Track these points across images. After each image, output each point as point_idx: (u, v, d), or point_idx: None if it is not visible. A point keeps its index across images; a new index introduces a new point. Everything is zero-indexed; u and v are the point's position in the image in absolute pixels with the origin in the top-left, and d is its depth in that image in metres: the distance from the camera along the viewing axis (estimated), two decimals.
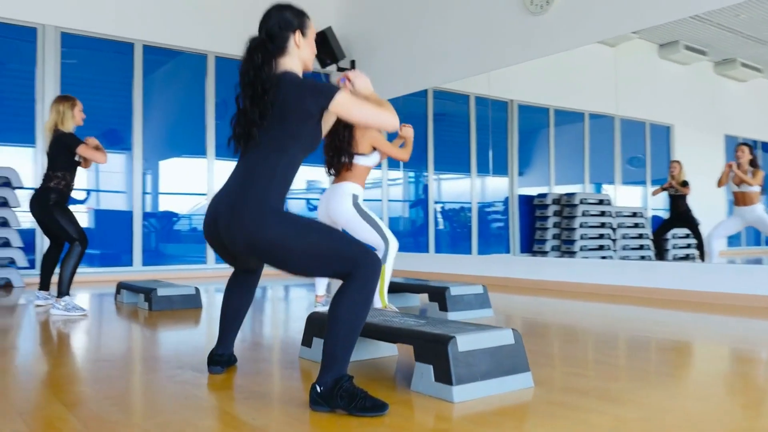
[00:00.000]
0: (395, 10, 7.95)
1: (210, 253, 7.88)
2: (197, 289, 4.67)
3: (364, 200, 3.96)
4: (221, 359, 2.51)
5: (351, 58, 8.62)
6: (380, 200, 8.43)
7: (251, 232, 2.02)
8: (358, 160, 3.92)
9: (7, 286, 6.22)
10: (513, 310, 4.62)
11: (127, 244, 7.44)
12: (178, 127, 8.07)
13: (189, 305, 4.58)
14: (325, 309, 4.35)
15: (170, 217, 8.02)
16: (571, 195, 7.08)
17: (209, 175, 7.95)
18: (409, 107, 7.87)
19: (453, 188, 8.38)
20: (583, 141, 7.03)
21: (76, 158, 4.46)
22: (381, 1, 8.20)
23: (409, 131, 4.20)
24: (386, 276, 3.82)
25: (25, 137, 6.87)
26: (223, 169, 7.90)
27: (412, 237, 8.37)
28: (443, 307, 4.02)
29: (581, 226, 6.95)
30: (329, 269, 2.04)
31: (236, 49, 7.49)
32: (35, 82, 6.88)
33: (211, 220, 2.12)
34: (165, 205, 7.98)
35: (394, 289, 4.47)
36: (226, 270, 7.70)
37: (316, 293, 4.43)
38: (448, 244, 8.14)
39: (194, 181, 7.99)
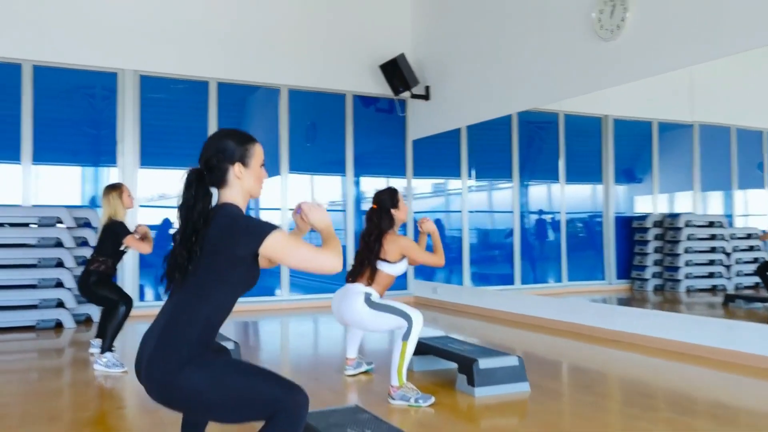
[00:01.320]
0: (470, 35, 7.64)
1: (285, 282, 7.99)
2: (237, 344, 4.67)
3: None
4: None
5: (425, 84, 8.41)
6: (460, 211, 8.14)
7: (164, 384, 1.87)
8: (382, 267, 3.75)
9: (58, 327, 6.38)
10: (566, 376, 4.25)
11: None
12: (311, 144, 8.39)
13: None
14: (356, 372, 4.23)
15: None
16: (674, 216, 6.39)
17: (282, 192, 8.12)
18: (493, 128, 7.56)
19: (538, 203, 7.94)
20: (692, 155, 6.22)
21: (122, 247, 4.63)
22: (456, 25, 7.91)
23: (429, 226, 3.92)
24: (407, 353, 3.59)
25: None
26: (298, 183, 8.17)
27: (494, 263, 8.04)
28: (471, 381, 3.73)
29: (686, 251, 6.27)
30: (253, 413, 1.88)
31: (307, 81, 7.62)
32: (116, 121, 7.25)
33: (137, 362, 1.99)
34: None
35: (421, 350, 4.24)
36: (301, 301, 7.97)
37: (346, 355, 4.30)
38: (534, 270, 7.68)
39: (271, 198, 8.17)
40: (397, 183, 8.79)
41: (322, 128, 8.55)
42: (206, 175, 2.06)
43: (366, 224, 3.84)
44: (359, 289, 3.73)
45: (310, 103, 8.34)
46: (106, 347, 4.44)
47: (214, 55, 7.66)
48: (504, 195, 7.88)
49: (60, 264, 6.39)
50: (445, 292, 8.04)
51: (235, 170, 2.07)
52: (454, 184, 8.27)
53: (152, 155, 7.44)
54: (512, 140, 7.46)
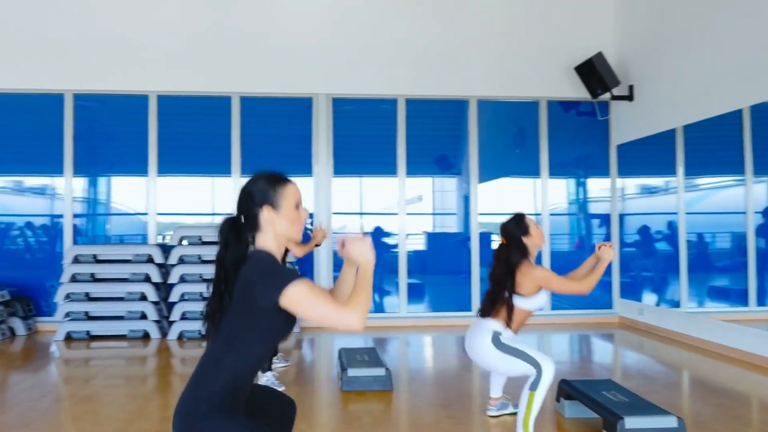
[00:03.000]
0: (680, 25, 6.69)
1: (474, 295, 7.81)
2: (388, 370, 4.64)
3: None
4: None
5: (628, 83, 7.60)
6: (675, 213, 7.17)
7: None
8: (517, 303, 3.42)
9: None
10: None
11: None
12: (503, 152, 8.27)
13: (379, 387, 4.58)
14: (500, 413, 3.93)
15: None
16: None
17: (543, 194, 8.00)
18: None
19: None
20: None
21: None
22: (663, 17, 7.00)
23: (607, 253, 3.45)
24: (534, 405, 3.23)
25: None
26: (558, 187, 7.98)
27: (719, 278, 6.93)
28: None
29: None
30: None
31: (497, 90, 7.37)
32: (311, 143, 7.72)
33: None
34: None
35: (571, 395, 3.79)
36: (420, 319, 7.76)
37: (490, 394, 4.02)
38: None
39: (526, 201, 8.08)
40: (599, 184, 8.12)
41: (514, 136, 8.21)
42: (242, 222, 2.04)
43: (494, 261, 3.54)
44: (489, 326, 3.44)
45: (502, 111, 8.05)
46: (267, 367, 4.70)
47: (402, 72, 7.76)
48: (731, 194, 6.64)
49: None
50: (653, 314, 7.16)
51: (264, 214, 2.01)
52: (667, 184, 7.24)
53: (345, 164, 7.82)
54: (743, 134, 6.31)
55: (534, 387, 3.24)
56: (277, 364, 5.32)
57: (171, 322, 6.78)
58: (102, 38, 7.44)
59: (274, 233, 2.03)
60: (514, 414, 4.00)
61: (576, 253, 8.22)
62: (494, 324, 3.43)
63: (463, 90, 7.86)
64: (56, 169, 7.44)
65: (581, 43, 7.81)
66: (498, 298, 3.44)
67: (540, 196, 8.05)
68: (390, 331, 7.21)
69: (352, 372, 4.60)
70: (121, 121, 7.62)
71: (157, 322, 6.78)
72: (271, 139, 7.84)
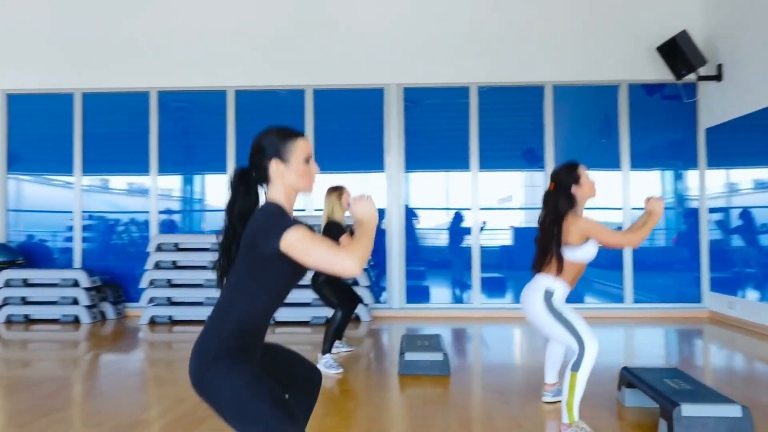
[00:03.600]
0: None
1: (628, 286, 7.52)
2: (446, 356, 4.58)
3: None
4: None
5: (716, 62, 7.12)
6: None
7: (196, 378, 1.95)
8: (566, 254, 3.27)
9: (356, 320, 7.14)
10: None
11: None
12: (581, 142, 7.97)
13: (435, 372, 4.53)
14: (555, 399, 3.79)
15: None
16: None
17: (624, 188, 7.64)
18: None
19: None
20: None
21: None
22: None
23: (656, 206, 3.28)
24: (577, 386, 3.08)
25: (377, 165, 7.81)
26: (640, 180, 7.66)
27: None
28: (670, 431, 3.04)
29: None
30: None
31: (571, 75, 7.09)
32: (383, 131, 7.74)
33: None
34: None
35: (631, 383, 3.59)
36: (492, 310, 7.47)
37: (545, 380, 3.88)
38: None
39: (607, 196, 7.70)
40: (687, 172, 7.66)
41: (593, 125, 7.89)
42: (252, 175, 2.10)
43: (542, 208, 3.38)
44: (542, 283, 3.30)
45: (579, 97, 7.77)
46: (326, 349, 4.76)
47: (473, 58, 7.64)
48: None
49: None
50: (745, 309, 6.67)
51: (273, 167, 2.06)
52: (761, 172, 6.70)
53: (417, 159, 7.78)
54: None
55: (576, 368, 3.10)
56: (340, 348, 5.37)
57: None
58: (183, 36, 7.80)
59: (283, 186, 2.07)
60: None
61: (674, 249, 7.79)
62: (547, 281, 3.28)
63: (538, 75, 7.64)
64: (143, 168, 7.86)
65: (663, 21, 7.39)
66: (547, 250, 3.30)
67: (621, 189, 7.67)
68: (464, 322, 7.12)
69: (409, 356, 4.57)
70: (202, 117, 7.95)
71: None
72: (343, 133, 7.91)
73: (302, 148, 2.09)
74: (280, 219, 1.95)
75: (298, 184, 2.08)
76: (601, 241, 3.23)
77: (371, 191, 7.66)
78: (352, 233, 4.93)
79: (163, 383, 4.60)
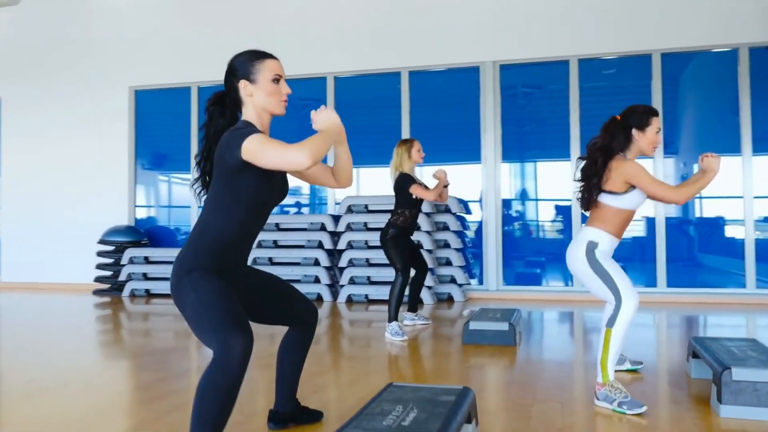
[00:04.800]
0: None
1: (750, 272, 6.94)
2: (511, 326, 4.44)
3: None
4: (276, 416, 2.56)
5: None
6: None
7: (173, 287, 2.08)
8: (604, 199, 3.06)
9: (449, 299, 7.13)
10: None
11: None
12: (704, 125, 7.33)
13: (500, 341, 4.41)
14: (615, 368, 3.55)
15: (704, 224, 7.36)
16: None
17: (745, 174, 6.93)
18: None
19: None
20: None
21: (414, 196, 4.88)
22: None
23: (711, 163, 2.99)
24: (611, 343, 2.87)
25: (562, 152, 7.50)
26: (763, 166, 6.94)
27: None
28: (719, 396, 2.74)
29: None
30: (206, 340, 1.97)
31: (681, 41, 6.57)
32: (569, 101, 7.39)
33: None
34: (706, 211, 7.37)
35: (696, 353, 3.28)
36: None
37: None
38: None
39: (727, 182, 6.99)
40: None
41: (708, 98, 7.24)
42: (227, 97, 2.21)
43: (599, 135, 3.10)
44: (586, 235, 3.06)
45: (692, 66, 7.16)
46: (391, 317, 4.79)
47: (572, 28, 7.31)
48: None
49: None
50: None
51: (242, 87, 2.15)
52: None
53: (512, 150, 7.60)
54: None
55: (611, 323, 2.88)
56: (416, 320, 5.37)
57: (341, 286, 7.20)
58: (279, 24, 8.17)
59: (253, 106, 2.16)
60: (632, 371, 3.61)
61: None
62: (592, 233, 3.05)
63: (645, 43, 7.13)
64: None
65: None
66: (588, 195, 3.08)
67: (743, 175, 6.92)
68: (568, 305, 6.85)
69: (473, 325, 4.49)
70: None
71: (329, 285, 7.26)
72: (439, 115, 7.88)
73: (270, 67, 2.16)
74: (242, 131, 2.03)
75: (266, 104, 2.15)
76: (644, 190, 2.99)
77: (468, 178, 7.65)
78: (422, 185, 4.93)
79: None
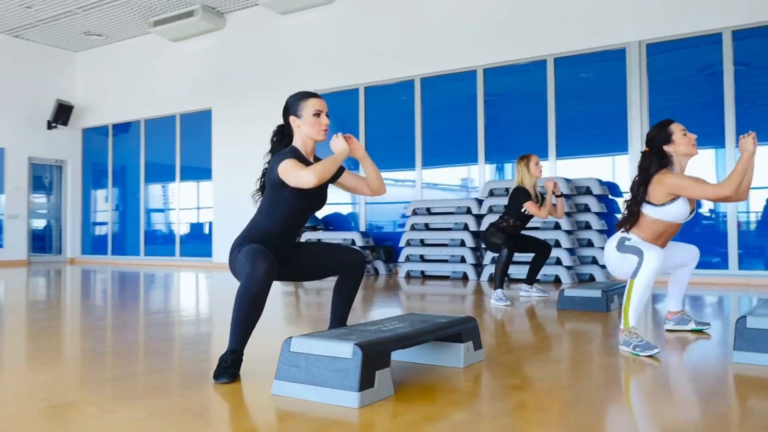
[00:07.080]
0: None
1: None
2: (604, 293, 4.60)
3: None
4: None
5: None
6: None
7: (229, 255, 2.80)
8: (644, 209, 3.25)
9: (590, 279, 7.22)
10: None
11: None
12: None
13: (593, 308, 4.60)
14: (678, 328, 3.67)
15: None
16: None
17: None
18: None
19: None
20: None
21: (523, 210, 5.25)
22: None
23: (747, 144, 3.04)
24: (634, 293, 3.05)
25: (619, 147, 7.63)
26: None
27: None
28: (734, 344, 2.82)
29: None
30: (241, 277, 2.65)
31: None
32: (627, 95, 7.54)
33: None
34: None
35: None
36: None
37: (668, 308, 3.74)
38: None
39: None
40: None
41: None
42: (285, 129, 2.92)
43: (638, 173, 3.31)
44: (619, 233, 3.34)
45: None
46: (497, 285, 5.20)
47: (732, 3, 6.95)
48: None
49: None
50: None
51: (292, 121, 2.83)
52: None
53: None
54: None
55: (634, 275, 3.07)
56: (530, 292, 5.67)
57: (484, 266, 7.64)
58: (438, 22, 8.79)
59: (300, 135, 2.83)
60: (697, 331, 3.68)
61: None
62: (625, 233, 3.30)
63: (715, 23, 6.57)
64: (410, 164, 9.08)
65: None
66: (631, 211, 3.30)
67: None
68: (716, 288, 6.60)
69: (568, 292, 4.74)
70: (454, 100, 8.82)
71: (474, 265, 7.73)
72: (583, 104, 7.94)
73: (312, 104, 2.80)
74: (281, 156, 2.70)
75: (309, 133, 2.80)
76: (691, 195, 3.12)
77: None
78: (539, 200, 5.27)
79: None
